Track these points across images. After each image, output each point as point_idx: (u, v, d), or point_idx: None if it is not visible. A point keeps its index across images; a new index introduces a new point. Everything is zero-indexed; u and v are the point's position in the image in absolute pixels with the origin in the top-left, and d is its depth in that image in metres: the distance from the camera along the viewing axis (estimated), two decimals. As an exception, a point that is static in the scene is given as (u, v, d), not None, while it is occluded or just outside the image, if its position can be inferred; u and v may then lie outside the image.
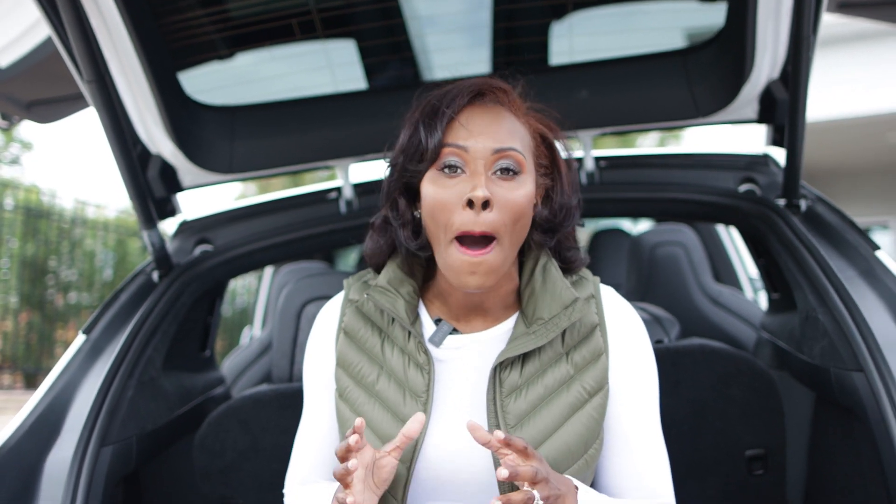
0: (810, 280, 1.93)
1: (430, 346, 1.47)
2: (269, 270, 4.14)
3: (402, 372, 1.43)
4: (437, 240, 1.41)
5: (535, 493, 1.21)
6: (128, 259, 9.50)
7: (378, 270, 1.56)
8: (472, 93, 1.45)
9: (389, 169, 1.52)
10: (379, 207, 1.56)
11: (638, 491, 1.45)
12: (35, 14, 2.33)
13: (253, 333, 4.09)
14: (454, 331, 1.49)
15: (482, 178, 1.37)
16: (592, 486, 1.48)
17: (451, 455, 1.39)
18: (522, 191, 1.39)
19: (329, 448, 1.54)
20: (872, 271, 1.88)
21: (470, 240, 1.36)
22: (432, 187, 1.40)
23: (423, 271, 1.53)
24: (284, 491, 1.59)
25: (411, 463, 1.37)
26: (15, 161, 10.18)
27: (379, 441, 1.39)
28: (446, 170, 1.40)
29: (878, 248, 1.96)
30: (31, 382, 8.51)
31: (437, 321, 1.49)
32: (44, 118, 2.97)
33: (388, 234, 1.52)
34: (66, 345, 9.27)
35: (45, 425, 1.78)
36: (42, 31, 2.43)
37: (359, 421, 1.25)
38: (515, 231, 1.39)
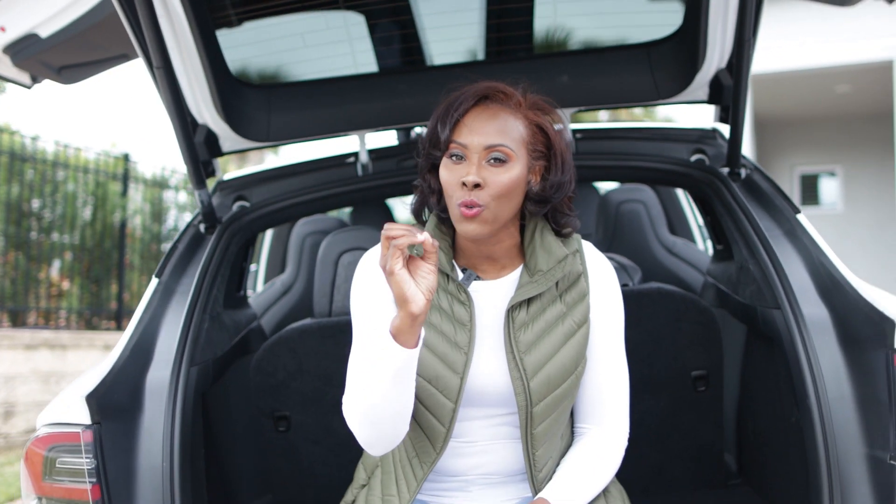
0: (744, 237, 2.43)
1: None
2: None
3: (448, 307, 1.90)
4: (449, 206, 1.87)
5: None
6: (108, 200, 9.76)
7: (419, 221, 2.02)
8: (476, 97, 1.89)
9: (420, 152, 1.97)
10: (410, 182, 2.03)
11: (601, 411, 1.95)
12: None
13: (259, 272, 4.55)
14: (477, 277, 1.96)
15: (475, 167, 1.82)
16: None
17: (485, 369, 1.88)
18: (508, 175, 1.83)
19: None
20: (793, 231, 2.38)
21: (465, 205, 1.82)
22: (444, 170, 1.86)
23: (453, 230, 1.99)
24: (344, 408, 1.87)
25: (464, 374, 1.85)
26: (-12, 103, 10.26)
27: (436, 359, 1.85)
28: (453, 158, 1.86)
29: (798, 211, 2.46)
30: (16, 320, 8.82)
31: (464, 269, 1.96)
32: (69, 80, 3.33)
33: (423, 197, 1.99)
34: (49, 283, 9.56)
35: (141, 351, 2.24)
36: (78, 8, 2.82)
37: (429, 240, 1.66)
38: (500, 202, 1.83)
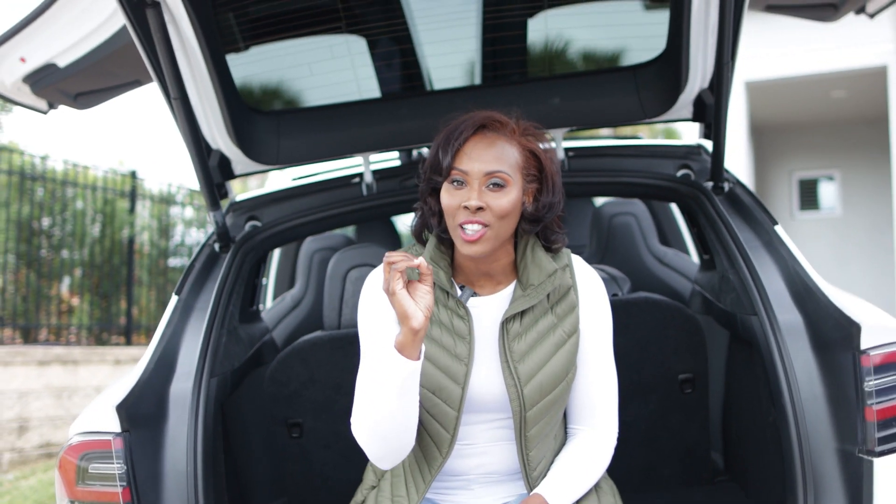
0: (725, 248, 2.59)
1: None
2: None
3: (448, 321, 2.06)
4: (450, 227, 2.03)
5: None
6: (116, 217, 9.92)
7: (420, 242, 2.18)
8: (475, 126, 2.05)
9: (423, 175, 2.13)
10: (413, 201, 2.20)
11: (594, 412, 2.11)
12: (89, 25, 2.89)
13: (267, 287, 4.72)
14: (474, 293, 2.12)
15: (476, 192, 1.98)
16: None
17: (483, 378, 2.04)
18: (506, 199, 1.99)
19: None
20: (771, 242, 2.55)
21: (467, 226, 1.98)
22: (446, 194, 2.02)
23: (451, 250, 2.16)
24: (352, 420, 2.02)
25: (465, 384, 2.01)
26: (-6, 123, 10.41)
27: (439, 371, 2.02)
28: (454, 183, 2.02)
29: (776, 223, 2.63)
30: (28, 337, 8.97)
31: (462, 287, 2.12)
32: (84, 105, 3.49)
33: (424, 219, 2.15)
34: (59, 300, 9.72)
35: (165, 364, 2.41)
36: (94, 39, 2.99)
37: (424, 264, 1.85)
38: (501, 223, 2.00)
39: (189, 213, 11.28)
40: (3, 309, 8.82)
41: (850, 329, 2.13)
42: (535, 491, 2.01)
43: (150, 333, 10.27)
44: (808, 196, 14.21)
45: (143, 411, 2.28)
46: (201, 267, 2.78)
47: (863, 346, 2.11)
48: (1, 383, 7.82)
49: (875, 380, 2.09)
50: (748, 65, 11.36)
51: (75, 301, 9.88)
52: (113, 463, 2.18)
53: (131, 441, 2.20)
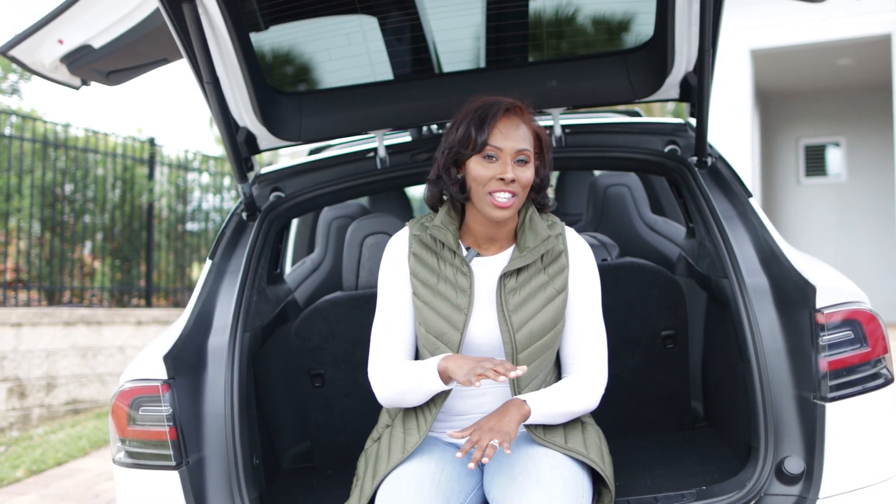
0: (703, 217, 2.88)
1: None
2: None
3: (453, 277, 2.39)
4: (477, 194, 2.36)
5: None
6: (136, 183, 10.21)
7: (434, 210, 2.50)
8: (505, 108, 2.38)
9: (447, 149, 2.42)
10: (429, 170, 2.52)
11: (583, 359, 2.42)
12: (123, 9, 3.16)
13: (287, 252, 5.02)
14: (478, 254, 2.44)
15: (509, 166, 2.33)
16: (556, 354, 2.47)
17: (481, 325, 2.37)
18: (529, 172, 2.37)
19: (404, 336, 2.45)
20: (745, 212, 2.83)
21: (499, 195, 2.32)
22: (478, 167, 2.35)
23: (460, 216, 2.47)
24: (370, 370, 2.46)
25: (464, 330, 2.34)
26: (15, 90, 10.65)
27: (441, 319, 2.36)
28: (487, 158, 2.35)
29: (751, 195, 2.91)
30: (52, 299, 9.31)
31: (468, 248, 2.44)
32: (115, 82, 3.75)
33: (438, 187, 2.47)
34: (82, 263, 10.05)
35: (203, 321, 2.72)
36: (127, 22, 3.25)
37: (518, 371, 2.17)
38: (523, 192, 2.36)
39: (205, 178, 11.57)
40: (28, 272, 9.15)
41: (808, 290, 2.43)
42: (520, 397, 2.33)
43: (168, 296, 10.62)
44: (815, 162, 14.35)
45: (185, 361, 2.59)
46: (231, 234, 3.08)
47: (818, 305, 2.40)
48: (29, 343, 8.18)
49: (828, 335, 2.39)
50: (754, 34, 11.53)
51: (97, 264, 10.20)
52: (161, 406, 2.50)
53: (176, 387, 2.52)
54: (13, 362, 8.04)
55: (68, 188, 9.76)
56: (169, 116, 36.76)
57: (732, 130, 11.96)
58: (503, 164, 2.33)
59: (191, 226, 11.41)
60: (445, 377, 2.28)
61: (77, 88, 3.75)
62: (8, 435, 7.82)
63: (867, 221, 13.41)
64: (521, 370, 2.15)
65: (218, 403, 2.58)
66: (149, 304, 10.24)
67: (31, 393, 8.19)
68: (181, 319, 2.76)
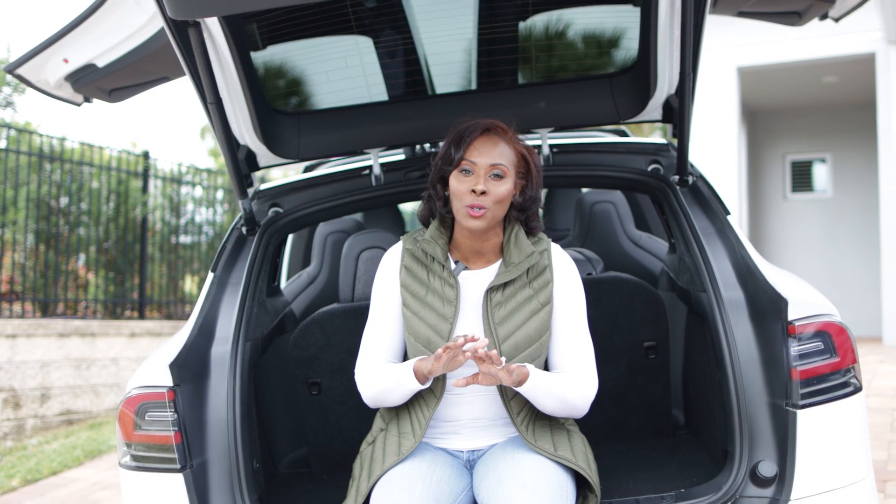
0: (683, 234, 3.02)
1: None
2: None
3: (440, 289, 2.53)
4: (455, 207, 2.52)
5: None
6: (130, 196, 10.30)
7: (426, 225, 2.64)
8: (483, 129, 2.55)
9: (434, 167, 2.59)
10: (422, 187, 2.69)
11: (572, 366, 2.56)
12: (126, 31, 3.28)
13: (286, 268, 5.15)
14: (466, 268, 2.58)
15: (482, 179, 2.48)
16: (545, 365, 2.59)
17: (468, 335, 2.49)
18: (504, 187, 2.51)
19: (390, 342, 2.62)
20: (723, 230, 2.98)
21: (472, 206, 2.47)
22: (455, 181, 2.52)
23: (449, 232, 2.61)
24: (356, 371, 2.63)
25: (449, 338, 2.48)
26: (9, 103, 10.73)
27: (428, 328, 2.49)
28: (464, 172, 2.50)
29: (728, 213, 3.05)
30: (46, 311, 9.39)
31: (457, 262, 2.58)
32: (117, 99, 3.87)
33: (429, 204, 2.61)
34: (76, 276, 10.14)
35: (206, 330, 2.85)
36: (130, 42, 3.37)
37: (482, 342, 2.31)
38: (498, 206, 2.50)
39: (198, 192, 11.68)
40: (22, 284, 9.23)
41: (780, 304, 2.57)
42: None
43: (161, 308, 10.71)
44: (801, 178, 14.54)
45: (190, 369, 2.72)
46: (232, 247, 3.21)
47: (790, 317, 2.55)
48: (24, 354, 8.27)
49: (799, 346, 2.53)
50: (741, 51, 11.72)
51: (91, 277, 10.29)
52: (167, 411, 2.62)
53: (181, 393, 2.65)
54: (8, 373, 8.13)
55: (63, 201, 9.85)
56: (161, 128, 36.89)
57: (719, 146, 12.15)
58: (476, 177, 2.49)
59: (184, 238, 11.51)
60: (420, 375, 2.44)
61: (79, 105, 3.86)
62: (2, 445, 7.90)
63: (852, 236, 13.60)
64: (484, 341, 2.30)
65: (220, 409, 2.71)
66: (142, 317, 10.33)
67: (25, 404, 8.28)
68: (185, 329, 2.88)
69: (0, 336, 8.08)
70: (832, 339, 2.55)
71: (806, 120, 14.16)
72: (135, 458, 2.66)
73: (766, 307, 2.65)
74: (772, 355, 2.60)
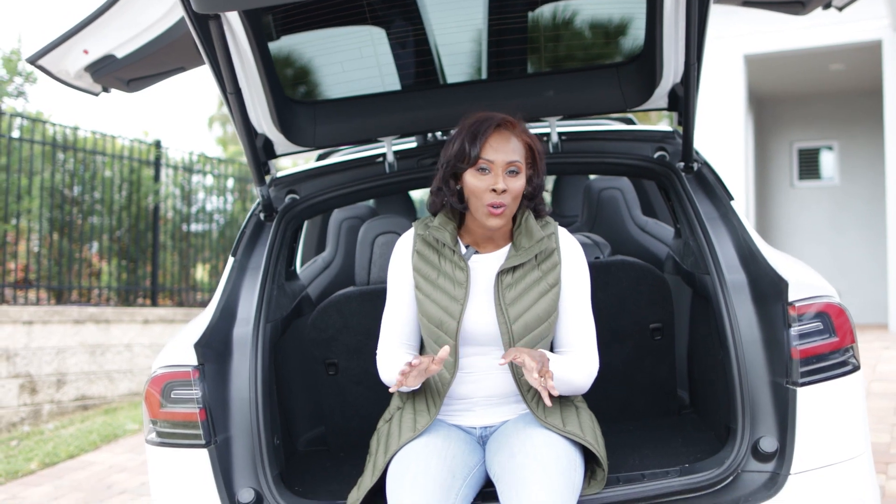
0: (688, 219, 3.12)
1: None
2: None
3: (451, 272, 2.63)
4: (474, 205, 2.61)
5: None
6: (142, 185, 10.41)
7: (435, 215, 2.74)
8: (496, 124, 2.63)
9: (445, 163, 2.67)
10: (433, 174, 2.77)
11: (577, 345, 2.66)
12: (145, 22, 3.37)
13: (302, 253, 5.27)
14: (476, 252, 2.68)
15: (500, 177, 2.57)
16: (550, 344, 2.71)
17: (478, 316, 2.61)
18: (520, 182, 2.61)
19: (406, 325, 2.73)
20: (726, 214, 3.07)
21: (493, 205, 2.56)
22: (473, 179, 2.60)
23: (457, 219, 2.71)
24: (378, 353, 2.75)
25: (460, 318, 2.57)
26: (21, 93, 10.84)
27: (440, 310, 2.60)
28: (481, 170, 2.58)
29: (732, 198, 3.15)
30: (60, 298, 9.52)
31: (467, 246, 2.68)
32: (134, 89, 3.96)
33: (440, 196, 2.71)
34: (90, 263, 10.27)
35: (229, 312, 2.96)
36: (149, 33, 3.46)
37: (444, 351, 2.44)
38: (515, 201, 2.60)
39: (209, 180, 11.79)
40: (37, 271, 9.37)
41: (780, 286, 2.67)
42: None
43: (172, 296, 10.84)
44: (808, 165, 14.58)
45: (213, 349, 2.83)
46: (251, 233, 3.32)
47: (790, 298, 2.64)
48: (40, 340, 8.40)
49: (799, 326, 2.63)
50: (748, 39, 11.77)
51: (104, 265, 10.42)
52: (192, 389, 2.74)
53: (205, 372, 2.76)
54: (25, 359, 8.26)
55: (76, 189, 9.97)
56: (169, 117, 37.03)
57: (726, 134, 12.21)
58: (495, 176, 2.58)
59: (195, 227, 11.62)
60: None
61: (96, 95, 3.95)
62: (20, 429, 8.05)
63: (859, 224, 13.65)
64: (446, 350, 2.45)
65: (243, 388, 2.82)
66: (154, 304, 10.46)
67: (41, 389, 8.42)
68: (208, 311, 2.99)
69: (17, 323, 8.21)
70: (831, 319, 2.65)
71: (813, 107, 14.20)
72: (160, 434, 2.78)
73: (768, 289, 2.75)
74: (773, 335, 2.70)
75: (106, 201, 10.14)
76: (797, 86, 13.78)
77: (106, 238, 10.26)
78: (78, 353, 8.74)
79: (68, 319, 8.66)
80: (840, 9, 4.10)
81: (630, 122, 4.93)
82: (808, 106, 14.23)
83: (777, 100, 14.37)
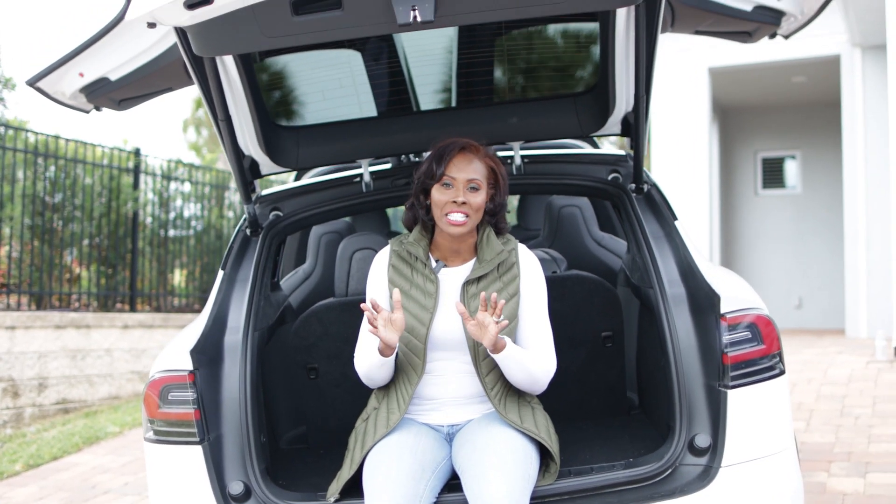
0: (635, 237, 3.45)
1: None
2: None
3: (422, 284, 2.96)
4: (437, 215, 2.95)
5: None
6: (121, 192, 10.60)
7: (409, 230, 3.07)
8: (460, 147, 2.98)
9: (416, 180, 3.02)
10: (407, 193, 3.11)
11: (536, 347, 2.99)
12: (137, 48, 3.64)
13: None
14: (445, 266, 3.02)
15: (461, 192, 2.91)
16: None
17: (446, 324, 2.94)
18: (480, 198, 2.95)
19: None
20: (670, 234, 3.40)
21: (454, 216, 2.89)
22: (437, 193, 2.95)
23: (430, 235, 3.03)
24: (355, 356, 3.05)
25: (429, 326, 2.90)
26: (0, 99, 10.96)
27: (412, 317, 2.93)
28: (445, 186, 2.93)
29: (676, 218, 3.48)
30: (41, 303, 9.70)
31: (437, 261, 3.00)
32: (124, 108, 4.20)
33: (413, 211, 3.06)
34: (70, 269, 10.45)
35: (220, 321, 3.26)
36: (141, 58, 3.71)
37: (396, 293, 2.80)
38: (475, 214, 2.94)
39: (187, 187, 12.01)
40: (19, 277, 9.55)
41: (714, 299, 3.00)
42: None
43: (150, 301, 11.05)
44: (772, 174, 14.98)
45: (206, 355, 3.13)
46: (238, 248, 3.61)
47: (722, 310, 2.98)
48: (22, 345, 8.61)
49: (729, 335, 2.96)
50: (712, 52, 12.17)
51: (83, 271, 10.60)
52: (188, 391, 3.03)
53: (199, 376, 3.05)
54: (7, 363, 8.47)
55: (57, 197, 10.15)
56: (145, 120, 37.04)
57: (692, 144, 12.62)
58: (457, 191, 2.94)
59: (173, 232, 11.83)
60: (382, 348, 2.86)
61: (87, 112, 4.21)
62: (2, 432, 8.25)
63: (820, 231, 14.07)
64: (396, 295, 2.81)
65: (233, 390, 3.12)
66: (133, 309, 10.65)
67: (23, 393, 8.62)
68: (200, 319, 3.29)
69: (0, 327, 8.41)
70: (759, 329, 2.99)
71: (776, 118, 14.61)
72: (157, 432, 3.06)
73: (704, 301, 3.08)
74: (707, 343, 3.03)
75: (86, 208, 10.31)
76: (761, 97, 14.20)
77: (85, 244, 10.44)
78: (59, 358, 8.95)
79: (49, 324, 8.87)
80: (786, 37, 4.44)
81: (593, 142, 5.24)
82: (772, 116, 14.64)
83: (741, 110, 14.79)
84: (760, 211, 14.65)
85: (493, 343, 2.79)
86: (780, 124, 14.63)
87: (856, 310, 11.44)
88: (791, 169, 14.93)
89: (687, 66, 12.38)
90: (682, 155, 12.69)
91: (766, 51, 11.71)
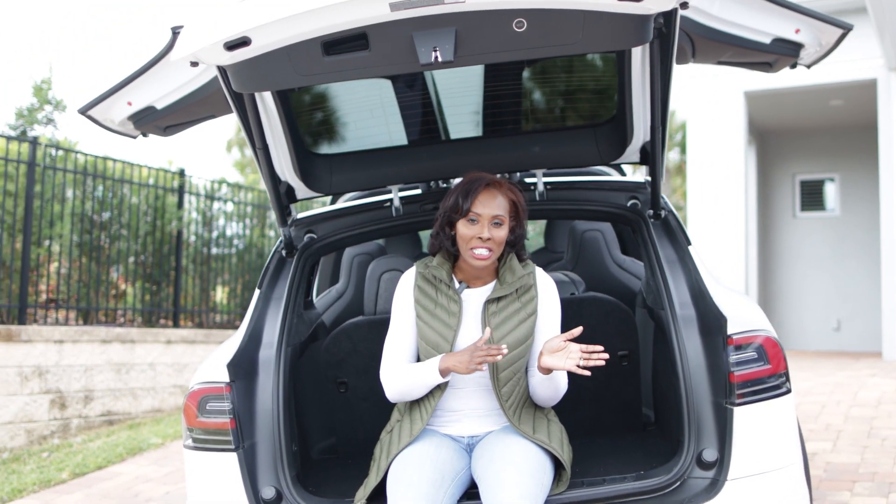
0: (650, 261, 3.61)
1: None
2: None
3: (446, 304, 3.16)
4: (462, 249, 3.13)
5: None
6: (166, 211, 10.96)
7: (434, 255, 3.26)
8: (486, 183, 3.15)
9: (442, 213, 3.20)
10: (434, 217, 3.29)
11: None
12: (182, 79, 3.86)
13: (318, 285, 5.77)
14: (467, 287, 3.21)
15: (486, 228, 3.10)
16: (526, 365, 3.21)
17: (468, 340, 3.13)
18: (503, 232, 3.13)
19: (407, 347, 3.23)
20: (683, 258, 3.56)
21: (479, 251, 3.08)
22: (463, 227, 3.13)
23: (453, 259, 3.22)
24: (381, 372, 3.24)
25: (453, 342, 3.10)
26: (50, 121, 11.32)
27: (436, 334, 3.12)
28: (470, 221, 3.11)
29: (690, 243, 3.63)
30: (87, 318, 10.04)
31: (460, 282, 3.19)
32: (169, 134, 4.44)
33: (438, 240, 3.23)
34: (116, 286, 10.80)
35: (255, 337, 3.47)
36: (185, 88, 3.93)
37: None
38: (499, 247, 3.12)
39: (230, 207, 12.33)
40: (67, 293, 9.90)
41: (721, 321, 3.16)
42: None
43: (193, 317, 11.36)
44: (810, 197, 14.96)
45: (242, 368, 3.34)
46: (274, 268, 3.82)
47: (728, 332, 3.13)
48: (70, 358, 8.92)
49: (735, 355, 3.12)
50: (747, 77, 12.23)
51: (129, 288, 10.93)
52: (224, 402, 3.24)
53: (235, 388, 3.26)
54: (55, 376, 8.78)
55: (105, 215, 10.50)
56: (190, 140, 37.75)
57: (728, 166, 12.69)
58: (482, 226, 3.10)
59: (215, 251, 12.14)
60: (445, 372, 3.03)
61: (134, 138, 4.46)
62: (50, 442, 8.55)
63: (859, 253, 14.02)
64: (504, 349, 2.92)
65: (267, 402, 3.33)
66: (176, 325, 10.96)
67: (70, 404, 8.92)
68: (237, 335, 3.51)
69: (49, 341, 8.73)
70: (765, 349, 3.14)
71: (814, 141, 14.60)
72: (196, 440, 3.28)
73: (712, 323, 3.24)
74: (715, 363, 3.19)
75: (132, 227, 10.66)
76: (798, 120, 14.22)
77: (131, 261, 10.78)
78: (104, 371, 9.25)
79: (96, 339, 9.18)
80: (808, 66, 4.57)
81: (620, 171, 5.38)
82: (810, 139, 14.63)
83: (779, 133, 14.81)
84: (799, 234, 14.64)
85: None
86: (818, 147, 14.62)
87: (892, 333, 11.40)
88: (830, 191, 14.89)
89: (722, 89, 12.47)
90: (718, 178, 12.76)
91: (802, 75, 11.67)
